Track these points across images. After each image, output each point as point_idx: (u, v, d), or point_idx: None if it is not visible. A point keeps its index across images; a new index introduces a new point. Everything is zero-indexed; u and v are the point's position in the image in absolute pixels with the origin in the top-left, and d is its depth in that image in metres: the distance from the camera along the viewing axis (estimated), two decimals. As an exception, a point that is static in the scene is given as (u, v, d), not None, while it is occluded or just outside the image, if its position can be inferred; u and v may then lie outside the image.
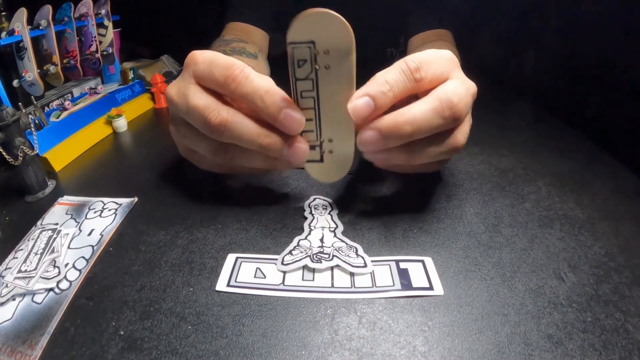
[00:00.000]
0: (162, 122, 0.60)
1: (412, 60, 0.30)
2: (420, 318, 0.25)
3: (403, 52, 0.75)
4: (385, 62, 0.81)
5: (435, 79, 0.30)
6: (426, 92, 0.30)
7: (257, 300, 0.27)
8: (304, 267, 0.29)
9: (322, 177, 0.33)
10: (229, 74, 0.29)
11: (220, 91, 0.31)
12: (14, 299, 0.27)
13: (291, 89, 0.29)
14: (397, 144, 0.29)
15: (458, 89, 0.30)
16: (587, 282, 0.28)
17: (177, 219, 0.34)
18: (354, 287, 0.27)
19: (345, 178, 0.40)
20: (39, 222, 0.35)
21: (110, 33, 0.57)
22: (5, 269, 0.29)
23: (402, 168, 0.34)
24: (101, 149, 0.50)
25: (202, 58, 0.31)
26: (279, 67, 0.66)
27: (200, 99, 0.30)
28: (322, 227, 0.33)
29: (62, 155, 0.45)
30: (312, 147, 0.31)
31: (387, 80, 0.29)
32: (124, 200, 0.37)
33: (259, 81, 0.29)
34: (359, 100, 0.28)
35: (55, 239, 0.32)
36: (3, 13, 0.47)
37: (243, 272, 0.29)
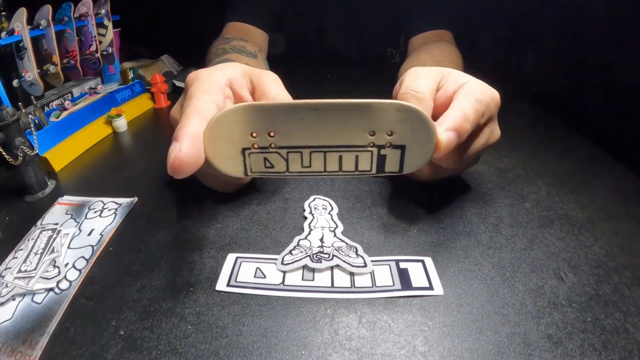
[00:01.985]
0: (162, 122, 0.60)
1: (481, 101, 0.29)
2: (420, 318, 0.25)
3: (403, 53, 0.75)
4: (385, 62, 0.81)
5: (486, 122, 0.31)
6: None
7: (257, 300, 0.27)
8: (304, 267, 0.29)
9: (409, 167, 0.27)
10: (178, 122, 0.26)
11: None
12: (14, 299, 0.27)
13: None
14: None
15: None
16: (587, 282, 0.28)
17: (177, 219, 0.34)
18: (354, 287, 0.27)
19: (347, 179, 0.40)
20: (38, 222, 0.35)
21: (110, 33, 0.57)
22: (5, 269, 0.29)
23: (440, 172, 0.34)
24: (101, 148, 0.50)
25: (189, 79, 0.30)
26: (279, 67, 0.67)
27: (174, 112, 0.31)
28: (322, 227, 0.33)
29: (62, 155, 0.45)
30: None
31: (469, 119, 0.28)
32: (124, 200, 0.37)
33: (174, 111, 0.28)
34: (451, 134, 0.26)
35: (55, 239, 0.32)
36: (3, 13, 0.47)
37: (243, 272, 0.29)
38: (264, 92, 0.31)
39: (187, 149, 0.23)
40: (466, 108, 0.28)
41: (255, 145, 0.25)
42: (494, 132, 0.33)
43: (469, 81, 0.31)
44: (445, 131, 0.26)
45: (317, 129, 0.24)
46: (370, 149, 0.25)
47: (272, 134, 0.24)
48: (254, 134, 0.24)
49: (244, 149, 0.25)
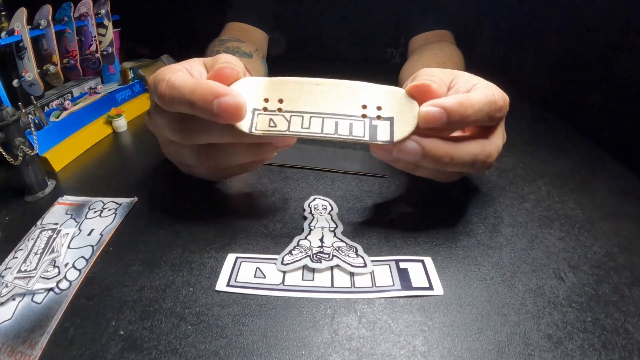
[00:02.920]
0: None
1: (501, 97, 0.29)
2: (420, 318, 0.25)
3: (403, 53, 0.75)
4: (385, 62, 0.81)
5: (500, 120, 0.31)
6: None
7: (257, 300, 0.27)
8: (304, 267, 0.29)
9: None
10: (159, 92, 0.28)
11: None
12: (13, 299, 0.27)
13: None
14: (453, 130, 0.29)
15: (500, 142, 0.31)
16: (587, 282, 0.28)
17: (177, 219, 0.34)
18: (354, 287, 0.27)
19: (347, 178, 0.40)
20: (38, 222, 0.35)
21: (110, 33, 0.57)
22: (5, 268, 0.29)
23: (426, 171, 0.33)
24: (101, 148, 0.50)
25: (149, 81, 0.30)
26: (278, 67, 0.67)
27: (154, 123, 0.32)
28: (321, 227, 0.33)
29: (62, 155, 0.45)
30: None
31: (473, 104, 0.28)
32: (124, 200, 0.37)
33: (184, 84, 0.27)
34: (433, 109, 0.27)
35: (55, 238, 0.32)
36: (3, 13, 0.47)
37: (243, 272, 0.29)
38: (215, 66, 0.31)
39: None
40: (475, 96, 0.28)
41: (265, 108, 0.28)
42: (504, 132, 0.33)
43: (480, 82, 0.31)
44: (427, 106, 0.28)
45: (319, 99, 0.29)
46: (363, 119, 0.28)
47: (281, 100, 0.28)
48: (267, 99, 0.28)
49: (254, 109, 0.28)
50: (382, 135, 0.28)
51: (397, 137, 0.28)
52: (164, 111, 0.30)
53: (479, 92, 0.29)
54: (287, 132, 0.28)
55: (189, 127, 0.29)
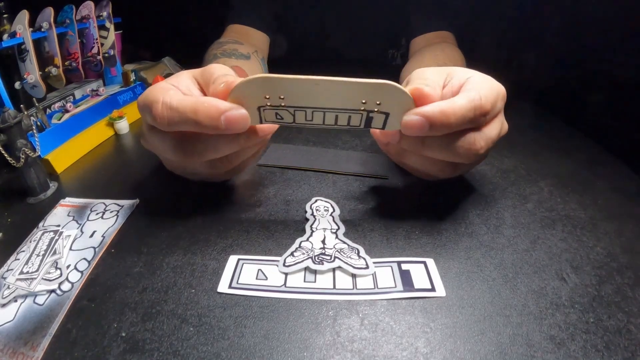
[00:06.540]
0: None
1: (487, 100, 0.29)
2: (422, 319, 0.25)
3: (404, 54, 0.75)
4: (386, 63, 0.81)
5: (489, 119, 0.30)
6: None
7: (258, 302, 0.27)
8: (306, 268, 0.29)
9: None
10: (154, 114, 0.28)
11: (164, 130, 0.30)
12: (15, 301, 0.27)
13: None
14: (438, 134, 0.29)
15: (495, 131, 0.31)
16: (589, 283, 0.28)
17: (179, 221, 0.35)
18: (356, 288, 0.27)
19: (348, 180, 0.40)
20: (40, 224, 0.35)
21: (112, 35, 0.57)
22: (7, 270, 0.29)
23: (415, 170, 0.35)
24: (103, 150, 0.50)
25: (139, 103, 0.31)
26: (280, 68, 0.67)
27: (151, 145, 0.33)
28: (323, 228, 0.33)
29: (64, 157, 0.45)
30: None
31: (456, 112, 0.27)
32: (126, 202, 0.37)
33: (183, 104, 0.28)
34: (414, 118, 0.28)
35: (57, 240, 0.32)
36: (5, 15, 0.47)
37: (245, 274, 0.29)
38: (209, 81, 0.31)
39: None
40: (459, 102, 0.28)
41: (269, 104, 0.29)
42: (503, 124, 0.33)
43: (473, 76, 0.31)
44: (410, 114, 0.28)
45: (319, 97, 0.28)
46: (361, 112, 0.29)
47: (282, 97, 0.28)
48: (267, 97, 0.28)
49: (259, 107, 0.29)
50: (376, 124, 0.30)
51: (389, 128, 0.30)
52: (161, 134, 0.30)
53: (465, 97, 0.28)
54: (293, 124, 0.30)
55: (191, 148, 0.30)
